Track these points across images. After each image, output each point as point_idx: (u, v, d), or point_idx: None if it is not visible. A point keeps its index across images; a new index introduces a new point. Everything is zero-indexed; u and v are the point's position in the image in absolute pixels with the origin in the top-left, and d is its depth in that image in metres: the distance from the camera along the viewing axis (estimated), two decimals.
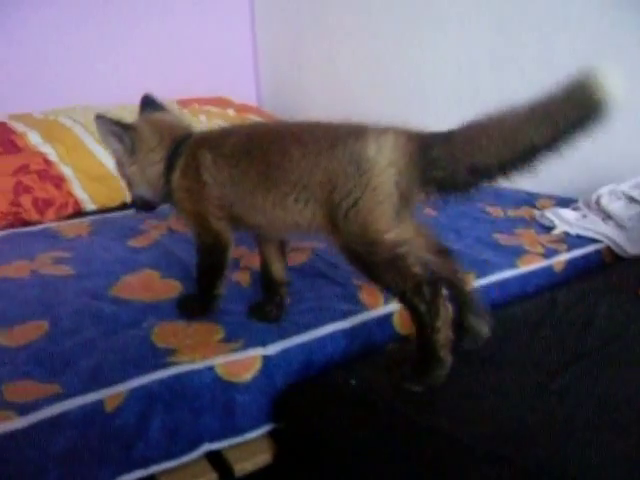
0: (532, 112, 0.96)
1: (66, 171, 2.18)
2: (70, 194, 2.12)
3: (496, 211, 1.91)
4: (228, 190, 1.14)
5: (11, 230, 1.91)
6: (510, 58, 2.15)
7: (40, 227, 1.92)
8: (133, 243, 1.63)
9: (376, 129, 1.06)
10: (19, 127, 2.34)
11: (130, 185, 1.27)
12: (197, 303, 1.24)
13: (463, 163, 1.00)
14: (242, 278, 1.41)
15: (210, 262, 1.21)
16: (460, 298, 1.14)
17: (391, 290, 1.06)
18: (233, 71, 3.27)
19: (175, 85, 3.05)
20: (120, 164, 1.25)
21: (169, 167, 1.20)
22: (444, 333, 1.01)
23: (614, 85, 0.91)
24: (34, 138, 2.28)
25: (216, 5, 3.18)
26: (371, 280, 1.08)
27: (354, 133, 1.05)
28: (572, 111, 0.93)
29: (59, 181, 2.12)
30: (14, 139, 2.26)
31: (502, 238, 1.68)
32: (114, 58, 2.92)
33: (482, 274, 1.46)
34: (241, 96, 3.15)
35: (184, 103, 2.88)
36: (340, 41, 2.86)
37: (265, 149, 1.10)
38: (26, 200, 2.04)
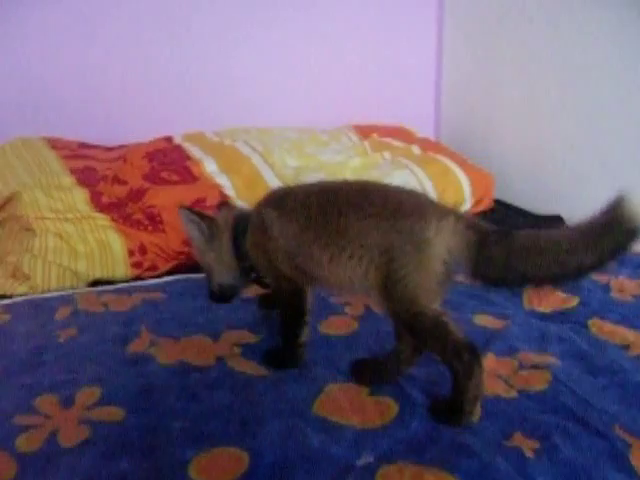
0: (582, 236, 1.04)
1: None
2: None
3: None
4: (292, 243, 1.20)
5: (183, 275, 1.75)
6: None
7: None
8: (325, 329, 1.40)
9: (438, 209, 1.13)
10: (195, 152, 2.19)
11: (209, 273, 1.35)
12: (284, 355, 1.27)
13: (515, 270, 1.07)
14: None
15: (291, 309, 1.27)
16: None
17: (434, 353, 1.13)
18: (412, 99, 3.02)
19: (350, 108, 2.86)
20: (200, 252, 1.34)
21: (240, 234, 1.28)
22: (473, 392, 1.09)
23: None
24: (210, 166, 2.13)
25: (402, 26, 2.95)
26: (418, 343, 1.17)
27: (417, 210, 1.11)
28: (614, 236, 1.02)
29: None
30: (190, 166, 2.11)
31: None
32: (291, 80, 2.78)
33: None
34: (416, 126, 2.90)
35: (362, 131, 2.67)
36: (543, 76, 2.52)
37: (322, 208, 1.17)
38: None
